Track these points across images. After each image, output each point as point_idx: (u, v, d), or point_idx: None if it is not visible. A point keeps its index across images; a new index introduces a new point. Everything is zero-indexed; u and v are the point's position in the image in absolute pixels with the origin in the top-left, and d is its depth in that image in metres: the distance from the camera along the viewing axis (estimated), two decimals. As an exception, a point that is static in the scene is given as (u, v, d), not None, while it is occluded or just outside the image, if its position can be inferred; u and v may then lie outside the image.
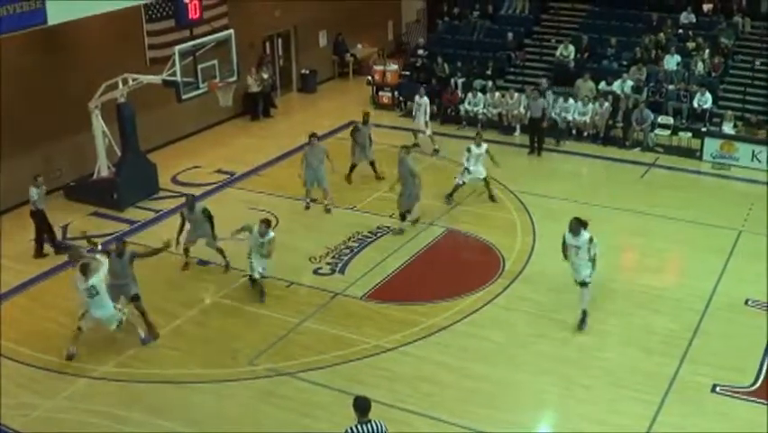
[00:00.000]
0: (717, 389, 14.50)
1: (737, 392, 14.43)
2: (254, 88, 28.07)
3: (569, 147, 25.43)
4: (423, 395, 14.40)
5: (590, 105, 25.96)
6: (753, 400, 14.26)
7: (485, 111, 27.03)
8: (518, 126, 26.63)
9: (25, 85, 21.10)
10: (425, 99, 25.40)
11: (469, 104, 27.34)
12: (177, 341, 16.09)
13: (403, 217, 20.17)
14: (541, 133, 25.02)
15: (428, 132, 25.27)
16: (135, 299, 15.98)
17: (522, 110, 26.36)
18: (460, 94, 27.88)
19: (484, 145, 21.32)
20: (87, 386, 14.81)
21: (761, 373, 14.91)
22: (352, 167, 22.69)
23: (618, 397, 14.31)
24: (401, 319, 16.45)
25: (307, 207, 21.35)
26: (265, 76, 28.41)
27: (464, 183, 21.40)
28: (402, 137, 25.84)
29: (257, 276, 17.16)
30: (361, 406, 10.72)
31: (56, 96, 21.77)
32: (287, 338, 16.09)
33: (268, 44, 30.33)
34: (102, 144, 21.96)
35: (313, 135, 21.39)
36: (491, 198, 21.59)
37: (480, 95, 27.28)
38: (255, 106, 28.35)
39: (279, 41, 30.96)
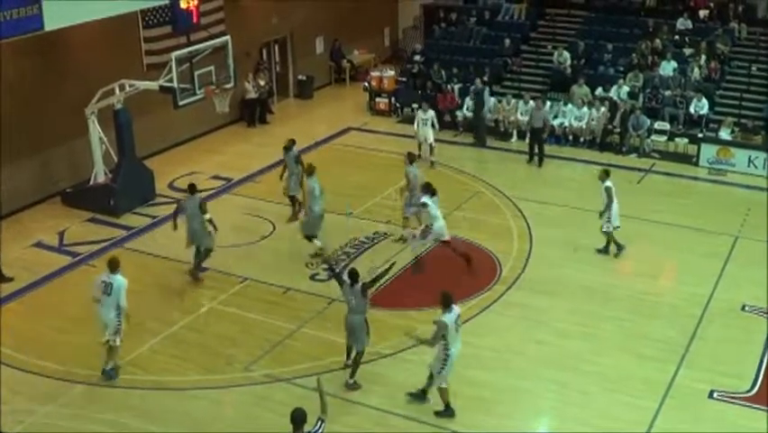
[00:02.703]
0: (715, 394, 14.51)
1: (735, 398, 14.44)
2: (251, 95, 28.08)
3: (566, 153, 25.44)
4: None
5: (585, 110, 26.02)
6: (750, 406, 14.28)
7: (481, 117, 27.08)
8: (515, 132, 26.68)
9: (22, 91, 21.08)
10: (432, 112, 25.15)
11: (467, 110, 27.36)
12: (174, 347, 16.06)
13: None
14: (542, 143, 24.96)
15: (433, 144, 24.93)
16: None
17: (519, 116, 26.43)
18: (457, 99, 27.89)
19: (608, 181, 19.31)
20: (84, 392, 14.78)
21: (758, 379, 14.93)
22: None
23: (615, 403, 14.31)
24: (398, 326, 16.41)
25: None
26: (262, 82, 28.41)
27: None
28: (398, 144, 25.92)
29: None
30: (296, 419, 10.62)
31: (52, 101, 21.75)
32: (283, 344, 16.08)
33: (265, 51, 30.36)
34: (99, 150, 21.94)
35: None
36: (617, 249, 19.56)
37: (476, 100, 27.30)
38: (252, 113, 28.36)
39: (276, 47, 30.99)
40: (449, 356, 13.63)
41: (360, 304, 14.50)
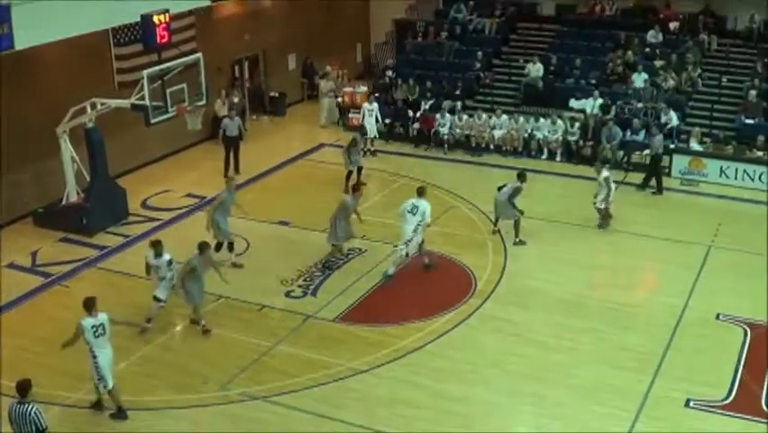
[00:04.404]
0: (691, 403, 14.56)
1: (711, 406, 14.49)
2: (223, 112, 27.96)
3: (541, 166, 25.50)
4: (397, 417, 14.32)
5: (560, 123, 26.17)
6: (727, 414, 14.32)
7: (452, 132, 27.14)
8: (490, 146, 26.82)
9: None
10: (376, 104, 27.17)
11: (438, 125, 27.39)
12: (147, 366, 15.91)
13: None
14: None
15: (375, 134, 27.05)
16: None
17: (492, 130, 26.58)
18: (437, 118, 27.81)
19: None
20: (59, 414, 14.56)
21: (734, 387, 14.99)
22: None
23: (592, 414, 14.30)
24: (373, 341, 16.39)
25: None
26: (235, 99, 28.32)
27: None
28: (371, 159, 25.95)
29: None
30: (20, 387, 11.80)
31: (24, 121, 21.57)
32: (259, 362, 15.97)
33: (237, 68, 30.30)
34: (71, 170, 21.77)
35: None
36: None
37: (447, 115, 27.35)
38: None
39: (248, 64, 30.93)
40: None
41: None
